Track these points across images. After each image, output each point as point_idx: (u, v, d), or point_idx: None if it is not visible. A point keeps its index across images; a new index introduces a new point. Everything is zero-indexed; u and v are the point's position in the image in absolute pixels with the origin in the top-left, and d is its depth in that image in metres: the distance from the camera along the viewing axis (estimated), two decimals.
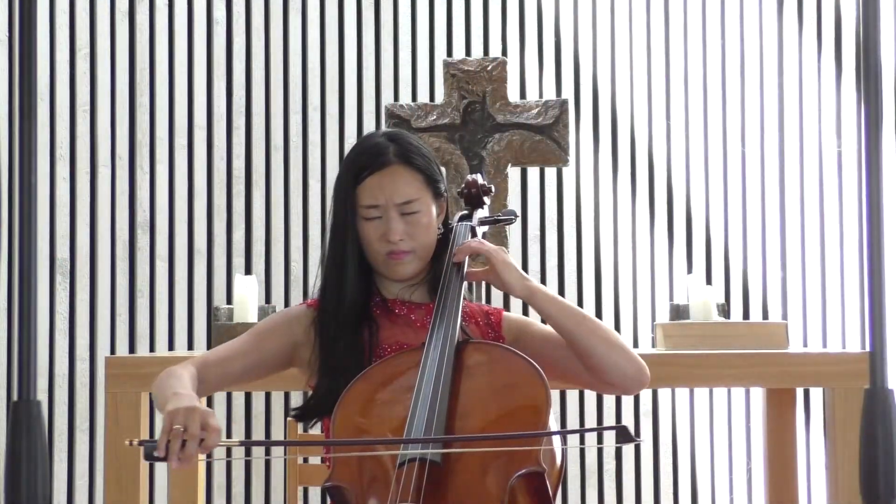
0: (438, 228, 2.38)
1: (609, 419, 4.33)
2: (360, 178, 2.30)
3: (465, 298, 2.34)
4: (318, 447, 2.05)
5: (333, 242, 2.34)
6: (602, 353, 2.25)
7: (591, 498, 4.34)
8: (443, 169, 2.43)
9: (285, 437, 4.03)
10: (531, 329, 2.38)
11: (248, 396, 4.39)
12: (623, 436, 1.90)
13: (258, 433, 4.35)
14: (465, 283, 2.33)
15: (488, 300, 4.20)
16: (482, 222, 2.50)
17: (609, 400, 4.34)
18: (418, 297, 2.39)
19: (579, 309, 2.31)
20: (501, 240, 3.42)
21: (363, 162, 2.31)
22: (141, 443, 1.94)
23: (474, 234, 2.44)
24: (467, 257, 2.36)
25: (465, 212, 2.51)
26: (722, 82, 4.41)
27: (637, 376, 2.28)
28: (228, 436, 4.27)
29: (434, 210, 2.36)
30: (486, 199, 2.54)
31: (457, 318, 2.23)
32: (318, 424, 2.37)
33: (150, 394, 2.29)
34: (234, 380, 2.35)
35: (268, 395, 4.38)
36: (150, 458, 1.92)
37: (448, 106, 3.50)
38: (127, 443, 1.92)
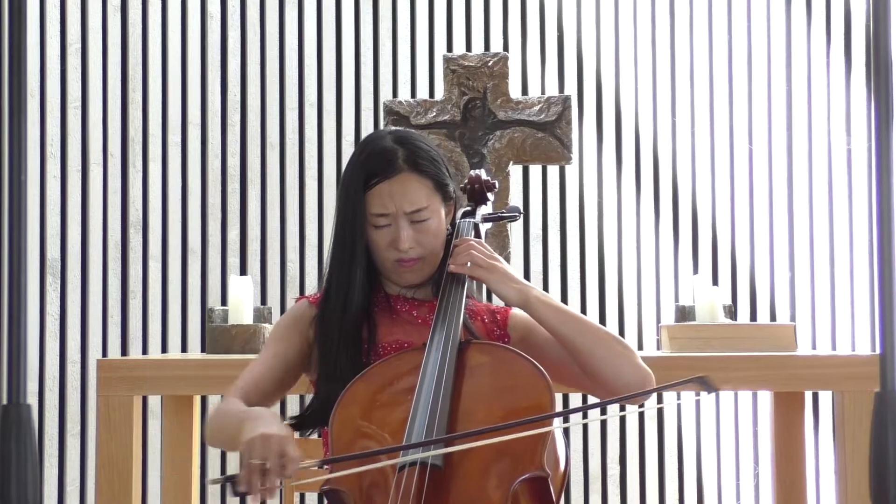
0: (446, 228, 2.37)
1: (612, 421, 4.29)
2: (368, 184, 2.28)
3: (471, 296, 2.34)
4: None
5: (341, 246, 2.32)
6: (604, 360, 2.22)
7: (595, 503, 4.30)
8: (451, 169, 2.41)
9: None
10: (539, 329, 2.34)
11: None
12: (706, 385, 1.91)
13: None
14: (469, 280, 2.31)
15: (489, 297, 4.17)
16: (486, 219, 2.51)
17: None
18: (421, 294, 2.37)
19: (580, 315, 2.29)
20: (503, 238, 3.40)
21: (371, 168, 2.29)
22: (226, 479, 1.95)
23: (477, 231, 2.43)
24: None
25: (469, 208, 2.51)
26: (728, 78, 4.41)
27: (641, 385, 2.23)
28: None
29: (443, 214, 2.34)
30: (490, 195, 2.55)
31: (459, 316, 2.21)
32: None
33: (205, 438, 2.29)
34: (272, 396, 2.33)
35: None
36: (236, 494, 1.94)
37: (448, 102, 3.49)
38: (210, 480, 1.97)
